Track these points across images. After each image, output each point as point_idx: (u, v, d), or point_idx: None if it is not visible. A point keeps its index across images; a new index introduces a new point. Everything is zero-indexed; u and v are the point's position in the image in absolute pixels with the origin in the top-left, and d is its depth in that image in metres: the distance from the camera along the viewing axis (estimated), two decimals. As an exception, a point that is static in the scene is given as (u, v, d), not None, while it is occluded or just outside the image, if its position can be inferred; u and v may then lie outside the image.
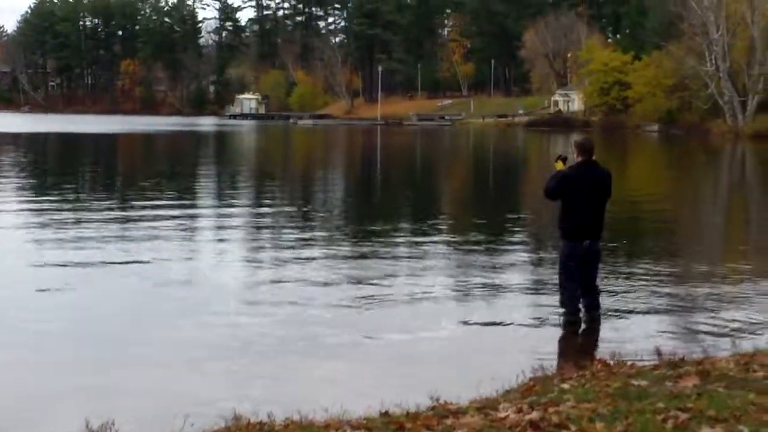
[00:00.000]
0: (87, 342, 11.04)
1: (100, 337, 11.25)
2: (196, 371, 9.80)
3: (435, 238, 20.03)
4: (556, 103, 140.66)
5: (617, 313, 12.62)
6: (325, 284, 14.40)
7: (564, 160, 12.26)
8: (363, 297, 13.42)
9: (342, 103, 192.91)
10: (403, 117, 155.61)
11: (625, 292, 14.17)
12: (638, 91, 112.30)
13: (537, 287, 14.59)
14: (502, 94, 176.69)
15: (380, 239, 19.51)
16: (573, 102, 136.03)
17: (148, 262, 16.25)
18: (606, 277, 14.64)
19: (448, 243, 19.42)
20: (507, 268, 16.43)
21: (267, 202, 28.63)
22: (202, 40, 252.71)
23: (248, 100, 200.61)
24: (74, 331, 11.56)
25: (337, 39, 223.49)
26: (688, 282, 15.21)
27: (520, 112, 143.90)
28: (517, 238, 20.86)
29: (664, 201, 31.93)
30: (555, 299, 12.56)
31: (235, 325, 11.78)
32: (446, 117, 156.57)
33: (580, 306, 12.13)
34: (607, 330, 11.81)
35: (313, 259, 16.74)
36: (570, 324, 11.97)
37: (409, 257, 17.18)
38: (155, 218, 22.60)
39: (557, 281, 12.43)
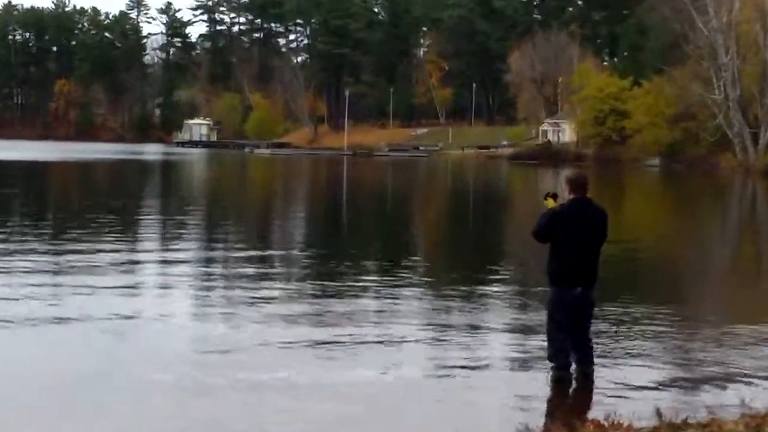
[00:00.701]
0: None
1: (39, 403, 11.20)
2: None
3: (410, 291, 19.92)
4: (545, 133, 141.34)
5: (613, 369, 12.65)
6: (286, 345, 14.30)
7: (554, 197, 12.30)
8: (330, 359, 13.42)
9: (304, 131, 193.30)
10: (373, 147, 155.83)
11: (621, 345, 14.22)
12: (637, 121, 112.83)
13: (522, 339, 14.64)
14: (485, 122, 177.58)
15: (350, 294, 19.36)
16: (564, 132, 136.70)
17: (80, 319, 15.64)
18: (599, 329, 14.68)
19: (423, 294, 19.36)
20: (489, 318, 16.47)
21: (218, 246, 28.51)
22: (146, 58, 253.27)
23: (198, 126, 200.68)
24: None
25: (300, 59, 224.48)
26: (692, 335, 15.28)
27: (505, 143, 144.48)
28: (500, 283, 20.90)
29: (665, 245, 32.05)
30: (542, 352, 12.60)
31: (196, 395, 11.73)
32: (421, 148, 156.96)
33: (571, 361, 12.17)
34: (600, 387, 11.84)
35: (272, 317, 16.61)
36: (559, 380, 12.00)
37: (379, 313, 17.06)
38: (92, 266, 22.28)
39: (545, 333, 12.46)
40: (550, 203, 12.22)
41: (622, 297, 18.49)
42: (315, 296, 18.62)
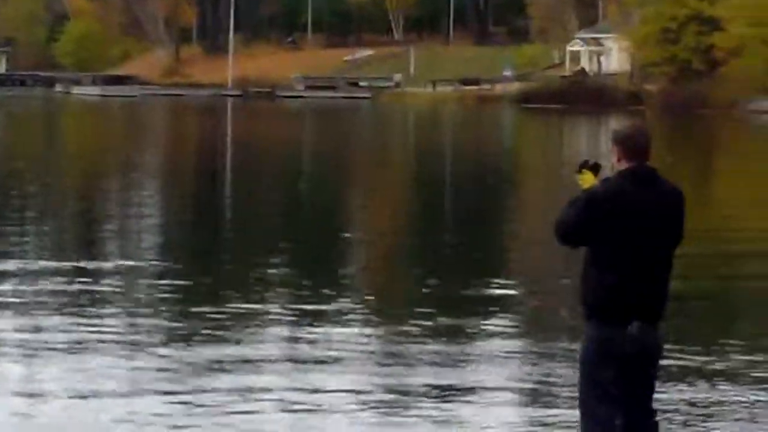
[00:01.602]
0: None
1: None
2: None
3: (354, 330, 20.15)
4: (576, 57, 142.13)
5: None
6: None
7: (594, 169, 12.16)
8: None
9: (158, 56, 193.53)
10: (279, 84, 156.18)
11: (704, 415, 14.43)
12: (734, 36, 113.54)
13: (533, 412, 14.88)
14: (472, 39, 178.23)
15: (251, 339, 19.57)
16: (610, 56, 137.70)
17: None
18: (670, 396, 14.85)
19: (377, 333, 19.58)
20: (481, 373, 16.74)
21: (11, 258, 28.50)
22: None
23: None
24: None
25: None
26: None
27: (508, 74, 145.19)
28: (495, 322, 21.07)
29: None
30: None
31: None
32: (362, 84, 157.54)
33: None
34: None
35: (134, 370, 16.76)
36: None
37: (309, 362, 17.27)
38: None
39: (577, 405, 12.53)
40: (588, 179, 11.98)
41: (710, 341, 18.70)
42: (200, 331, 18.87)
